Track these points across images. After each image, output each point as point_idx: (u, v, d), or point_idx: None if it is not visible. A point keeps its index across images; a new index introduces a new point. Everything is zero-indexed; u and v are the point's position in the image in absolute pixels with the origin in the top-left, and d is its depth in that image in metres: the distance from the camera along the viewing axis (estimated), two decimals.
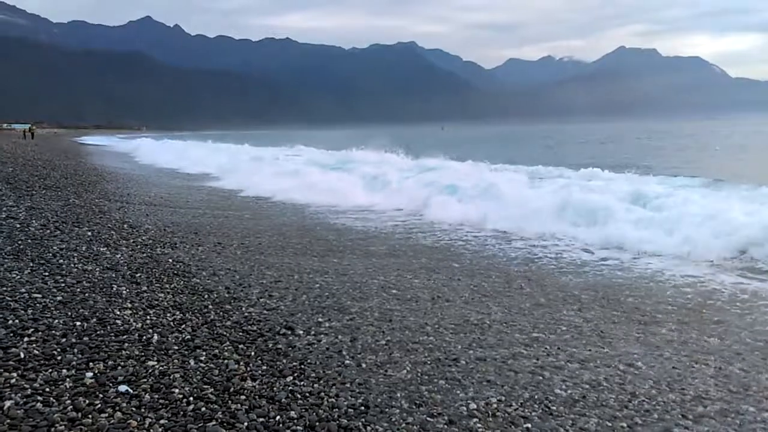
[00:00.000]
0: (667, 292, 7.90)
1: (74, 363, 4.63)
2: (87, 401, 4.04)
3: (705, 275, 8.71)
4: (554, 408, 4.47)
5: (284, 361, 5.15)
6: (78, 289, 6.60)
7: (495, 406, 4.48)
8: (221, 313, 6.36)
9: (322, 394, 4.55)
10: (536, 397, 4.65)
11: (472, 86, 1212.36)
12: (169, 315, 6.09)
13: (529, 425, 4.23)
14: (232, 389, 4.48)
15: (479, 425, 4.21)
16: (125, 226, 11.20)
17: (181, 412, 4.07)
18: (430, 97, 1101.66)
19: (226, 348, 5.32)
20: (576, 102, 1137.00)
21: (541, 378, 5.01)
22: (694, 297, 7.67)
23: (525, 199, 14.58)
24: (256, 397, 4.40)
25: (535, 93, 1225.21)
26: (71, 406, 3.95)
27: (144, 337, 5.35)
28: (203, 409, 4.14)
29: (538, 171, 25.15)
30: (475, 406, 4.45)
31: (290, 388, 4.61)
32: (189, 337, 5.51)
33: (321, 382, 4.78)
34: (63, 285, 6.69)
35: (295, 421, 4.12)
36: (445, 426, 4.22)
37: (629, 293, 7.87)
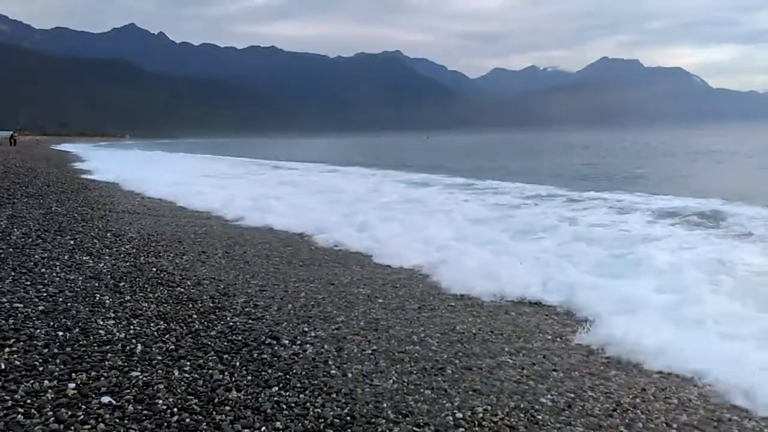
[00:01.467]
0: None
1: (56, 374, 4.57)
2: (69, 413, 3.99)
3: None
4: (540, 417, 4.48)
5: (269, 371, 5.12)
6: (60, 299, 6.53)
7: (481, 415, 4.48)
8: (206, 322, 6.31)
9: (308, 404, 4.53)
10: (522, 406, 4.66)
11: (458, 95, 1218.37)
12: (152, 325, 6.04)
13: None
14: (216, 400, 4.44)
15: None
16: (108, 234, 11.09)
17: (165, 424, 4.03)
18: (415, 105, 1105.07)
19: (210, 358, 5.28)
20: (560, 111, 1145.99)
21: (526, 387, 5.02)
22: None
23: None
24: (241, 407, 4.37)
25: (520, 102, 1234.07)
26: (53, 418, 3.90)
27: (127, 348, 5.29)
28: (187, 420, 4.10)
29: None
30: (461, 416, 4.45)
31: (276, 398, 4.59)
32: (173, 347, 5.46)
33: (307, 392, 4.75)
34: (45, 294, 6.62)
35: (281, 431, 4.10)
36: None
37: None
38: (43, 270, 7.70)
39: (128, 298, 6.91)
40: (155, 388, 4.51)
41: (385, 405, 4.60)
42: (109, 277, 7.81)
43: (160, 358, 5.15)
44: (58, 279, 7.35)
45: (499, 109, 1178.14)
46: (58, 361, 4.81)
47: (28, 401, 4.10)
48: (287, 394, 4.68)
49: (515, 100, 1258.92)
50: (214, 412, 4.24)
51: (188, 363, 5.09)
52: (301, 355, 5.55)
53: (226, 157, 59.36)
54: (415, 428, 4.25)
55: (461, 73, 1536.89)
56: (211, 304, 7.03)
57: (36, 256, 8.40)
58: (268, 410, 4.36)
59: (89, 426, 3.86)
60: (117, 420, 3.99)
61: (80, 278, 7.53)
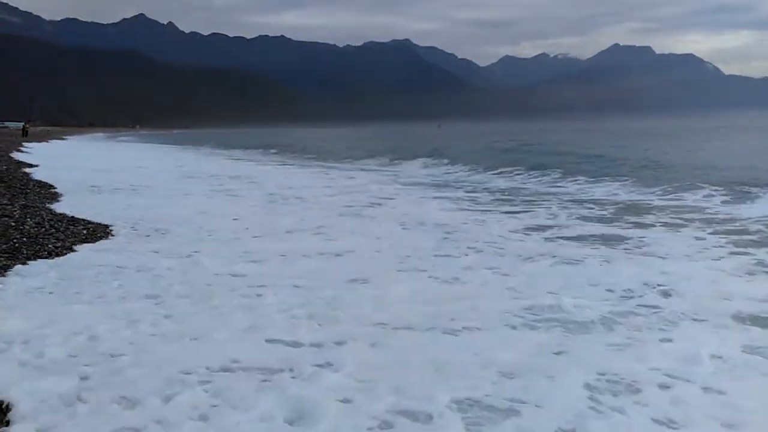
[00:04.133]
0: None
1: None
2: None
3: None
4: None
5: None
6: None
7: None
8: None
9: None
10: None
11: (468, 84, 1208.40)
12: None
13: None
14: None
15: None
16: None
17: None
18: (425, 94, 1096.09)
19: None
20: (571, 99, 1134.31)
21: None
22: None
23: None
24: None
25: (530, 90, 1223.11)
26: None
27: None
28: None
29: None
30: None
31: None
32: None
33: None
34: None
35: None
36: None
37: None
38: None
39: None
40: None
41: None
42: None
43: None
44: None
45: (510, 97, 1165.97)
46: None
47: None
48: None
49: (526, 87, 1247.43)
50: None
51: None
52: None
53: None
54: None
55: (471, 61, 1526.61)
56: None
57: (50, 246, 8.54)
58: None
59: None
60: None
61: None
